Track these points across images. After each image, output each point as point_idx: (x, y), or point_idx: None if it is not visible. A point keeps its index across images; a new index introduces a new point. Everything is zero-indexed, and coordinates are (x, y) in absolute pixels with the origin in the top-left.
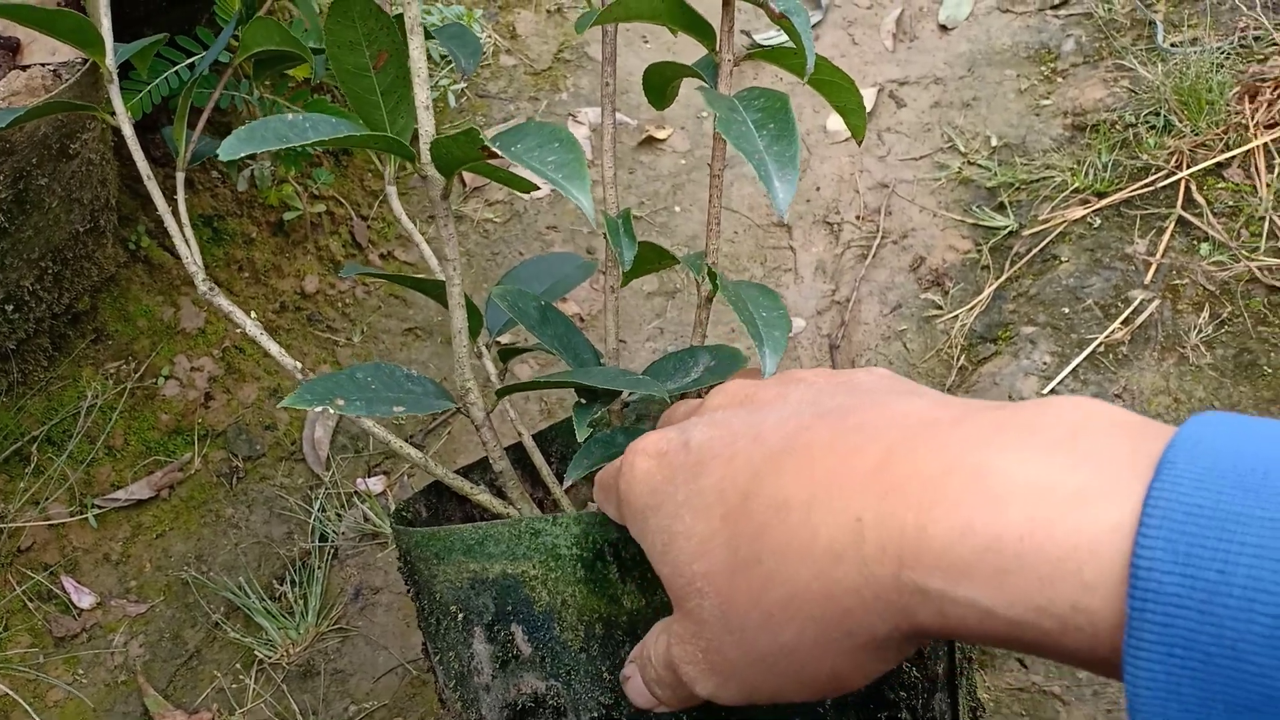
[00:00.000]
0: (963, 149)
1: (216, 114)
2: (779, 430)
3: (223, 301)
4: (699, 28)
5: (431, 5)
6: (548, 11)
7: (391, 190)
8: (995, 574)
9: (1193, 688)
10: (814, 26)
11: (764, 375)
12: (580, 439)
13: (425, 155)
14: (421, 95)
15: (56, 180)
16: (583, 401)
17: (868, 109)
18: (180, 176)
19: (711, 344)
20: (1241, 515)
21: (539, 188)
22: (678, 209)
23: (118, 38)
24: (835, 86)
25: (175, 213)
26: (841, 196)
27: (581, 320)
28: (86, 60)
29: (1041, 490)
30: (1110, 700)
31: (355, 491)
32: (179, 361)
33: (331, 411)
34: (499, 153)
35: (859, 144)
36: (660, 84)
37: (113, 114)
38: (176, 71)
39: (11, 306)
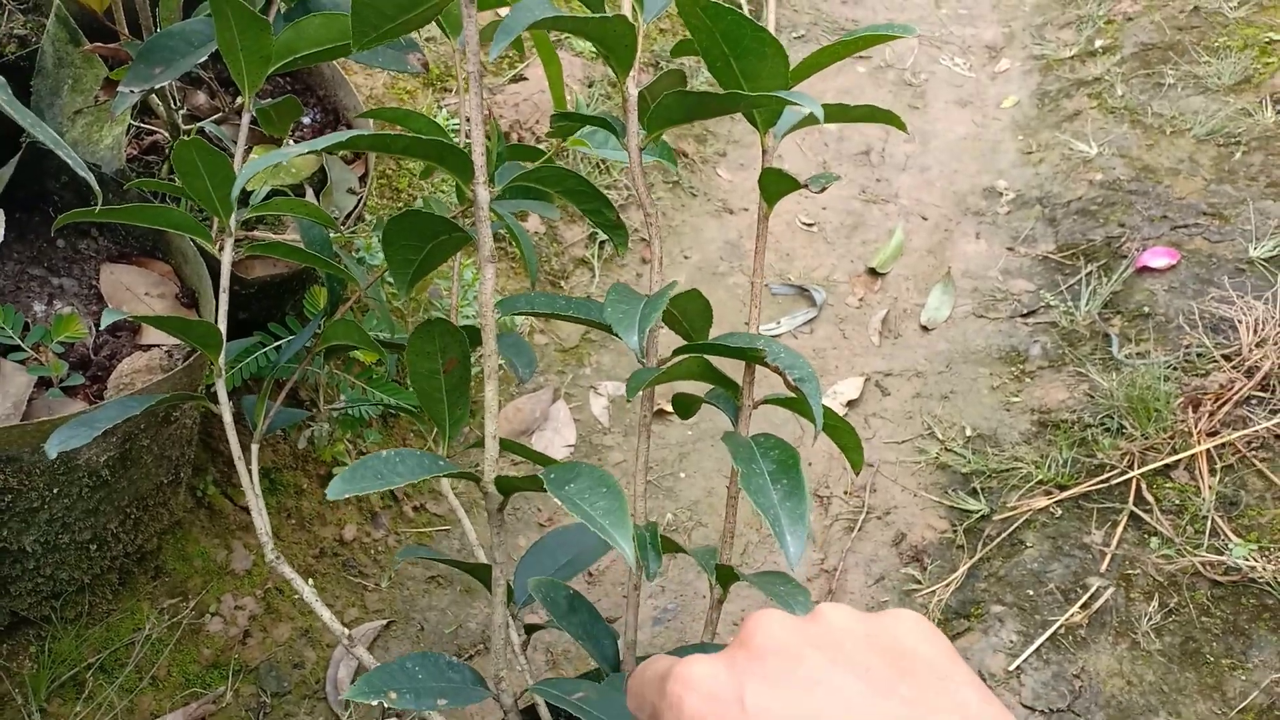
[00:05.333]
0: (941, 436)
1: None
2: None
3: (286, 569)
4: (725, 383)
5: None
6: None
7: (445, 482)
8: None
9: None
10: (809, 322)
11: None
12: None
13: (489, 475)
14: (490, 427)
15: (156, 441)
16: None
17: (856, 396)
18: (254, 448)
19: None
20: None
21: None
22: (683, 475)
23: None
24: (840, 430)
25: (251, 482)
26: (831, 472)
27: (590, 575)
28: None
29: None
30: None
31: None
32: (225, 600)
33: (386, 704)
34: (553, 494)
35: (856, 475)
36: (686, 406)
37: (216, 401)
38: (265, 352)
39: (95, 546)
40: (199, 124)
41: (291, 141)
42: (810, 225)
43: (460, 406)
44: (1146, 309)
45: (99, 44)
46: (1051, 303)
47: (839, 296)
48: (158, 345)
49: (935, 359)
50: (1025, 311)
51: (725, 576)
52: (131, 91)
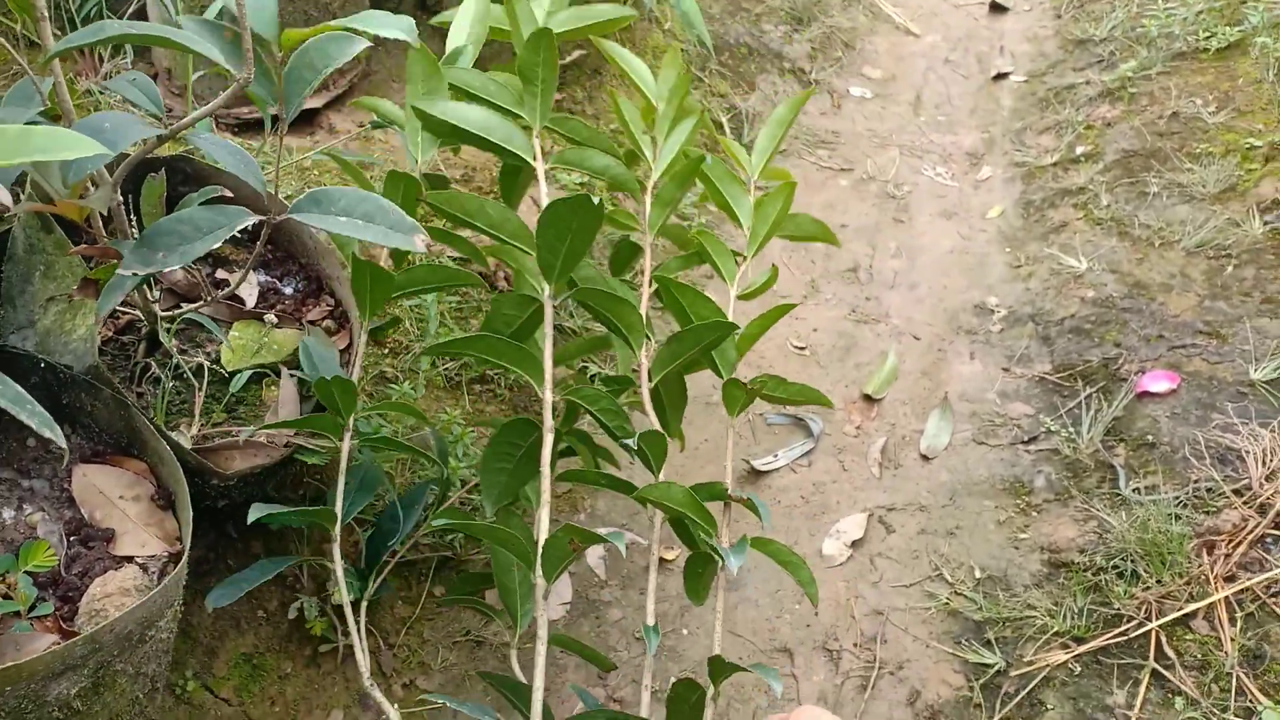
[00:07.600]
0: (949, 578)
1: None
2: None
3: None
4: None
5: None
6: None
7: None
8: None
9: None
10: (807, 454)
11: None
12: None
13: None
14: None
15: (130, 663)
16: None
17: (860, 536)
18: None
19: None
20: None
21: (615, 666)
22: (685, 631)
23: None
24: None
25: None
26: (839, 622)
27: None
28: (169, 553)
29: None
30: None
31: None
32: None
33: None
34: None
35: (814, 607)
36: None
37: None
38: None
39: None
40: (180, 312)
41: (274, 315)
42: (802, 349)
43: (528, 600)
44: (1150, 437)
45: (85, 245)
46: (1052, 428)
47: (835, 425)
48: (132, 559)
49: (938, 491)
50: (1026, 438)
51: None
52: (134, 274)
